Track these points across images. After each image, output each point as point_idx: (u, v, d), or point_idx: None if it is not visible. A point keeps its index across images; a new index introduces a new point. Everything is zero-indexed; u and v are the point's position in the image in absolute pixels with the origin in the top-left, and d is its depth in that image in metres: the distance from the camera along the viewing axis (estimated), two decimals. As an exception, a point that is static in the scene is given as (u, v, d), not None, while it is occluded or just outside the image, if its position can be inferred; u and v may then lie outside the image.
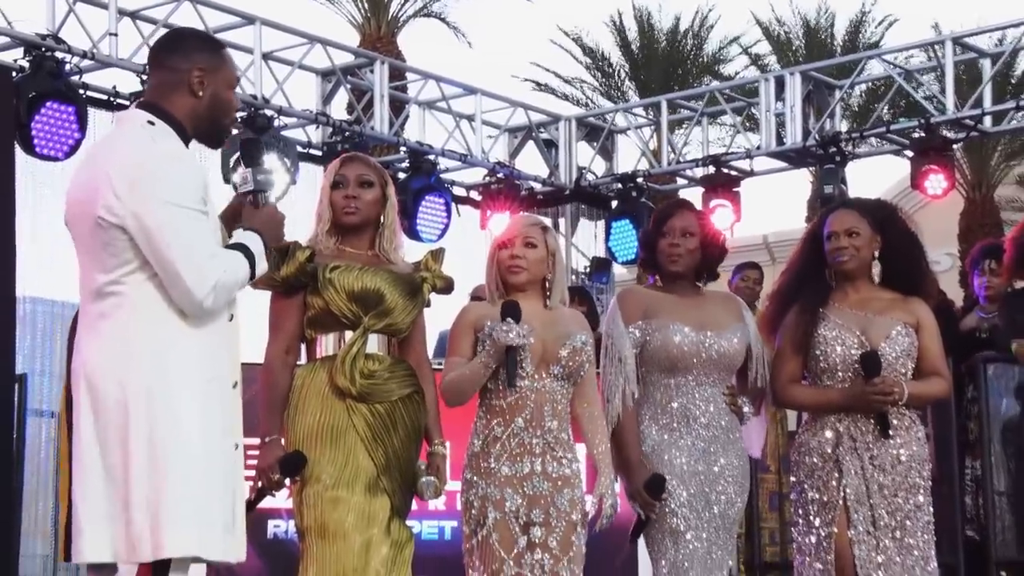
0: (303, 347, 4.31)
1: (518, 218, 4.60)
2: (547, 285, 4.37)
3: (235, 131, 7.93)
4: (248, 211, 3.65)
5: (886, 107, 10.38)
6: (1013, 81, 14.53)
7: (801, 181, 16.23)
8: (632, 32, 18.10)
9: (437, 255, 4.42)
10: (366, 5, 15.03)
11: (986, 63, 9.41)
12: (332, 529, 4.05)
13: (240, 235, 3.58)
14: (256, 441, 4.21)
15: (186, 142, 3.58)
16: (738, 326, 4.62)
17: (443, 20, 15.74)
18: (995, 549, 6.99)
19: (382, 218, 4.32)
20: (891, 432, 4.54)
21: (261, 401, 4.24)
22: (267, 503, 4.44)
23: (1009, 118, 9.58)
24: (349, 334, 4.18)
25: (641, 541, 4.62)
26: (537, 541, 4.21)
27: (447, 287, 4.38)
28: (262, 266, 3.59)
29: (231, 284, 3.49)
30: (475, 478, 4.26)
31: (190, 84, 3.56)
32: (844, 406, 4.56)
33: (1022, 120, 9.70)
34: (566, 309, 4.47)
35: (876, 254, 4.64)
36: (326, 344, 4.23)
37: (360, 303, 4.17)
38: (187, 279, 3.39)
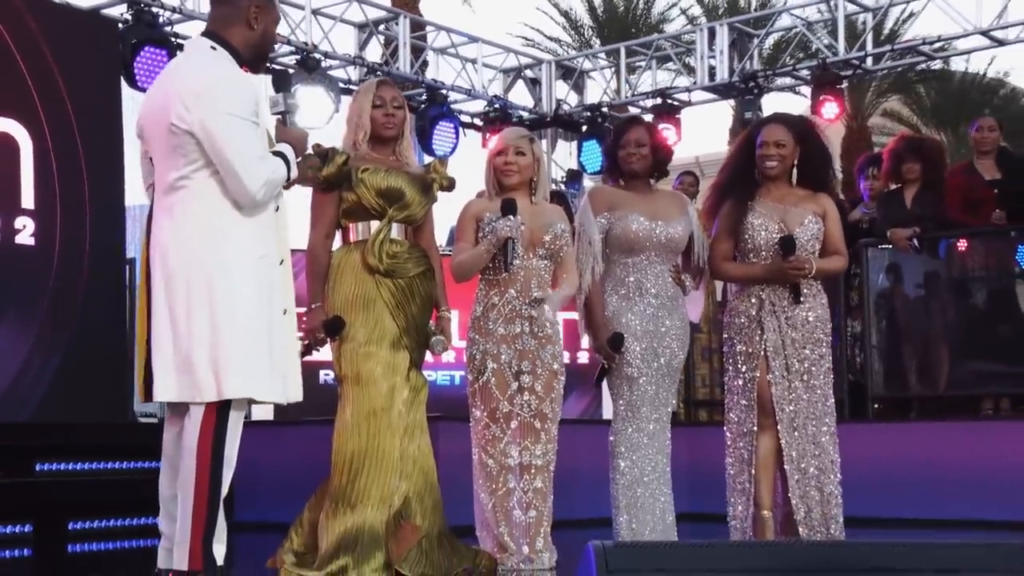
0: (338, 233, 4.00)
1: (509, 131, 4.25)
2: (533, 185, 4.08)
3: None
4: (280, 129, 3.33)
5: (792, 51, 9.95)
6: (886, 31, 14.09)
7: (724, 116, 15.86)
8: (597, -1, 17.73)
9: (443, 162, 4.12)
10: (396, -22, 14.63)
11: (868, 16, 9.01)
12: (365, 377, 3.79)
13: (278, 146, 3.27)
14: (303, 309, 3.91)
15: (240, 66, 3.25)
16: (683, 218, 4.34)
17: (453, -11, 15.26)
18: (870, 388, 6.79)
19: (403, 131, 4.01)
20: (801, 298, 4.28)
21: (307, 276, 3.94)
22: (318, 357, 4.16)
23: (886, 59, 9.25)
24: (374, 223, 3.88)
25: (604, 385, 4.37)
26: (525, 386, 3.98)
27: (451, 186, 4.06)
28: (295, 172, 3.30)
29: (276, 181, 3.19)
30: (477, 337, 4.01)
31: (247, 18, 3.24)
32: (766, 278, 4.29)
33: (895, 60, 9.41)
34: (548, 204, 4.19)
35: (796, 161, 4.33)
36: (356, 231, 3.93)
37: (385, 198, 3.85)
38: (242, 176, 3.09)
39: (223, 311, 3.08)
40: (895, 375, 6.97)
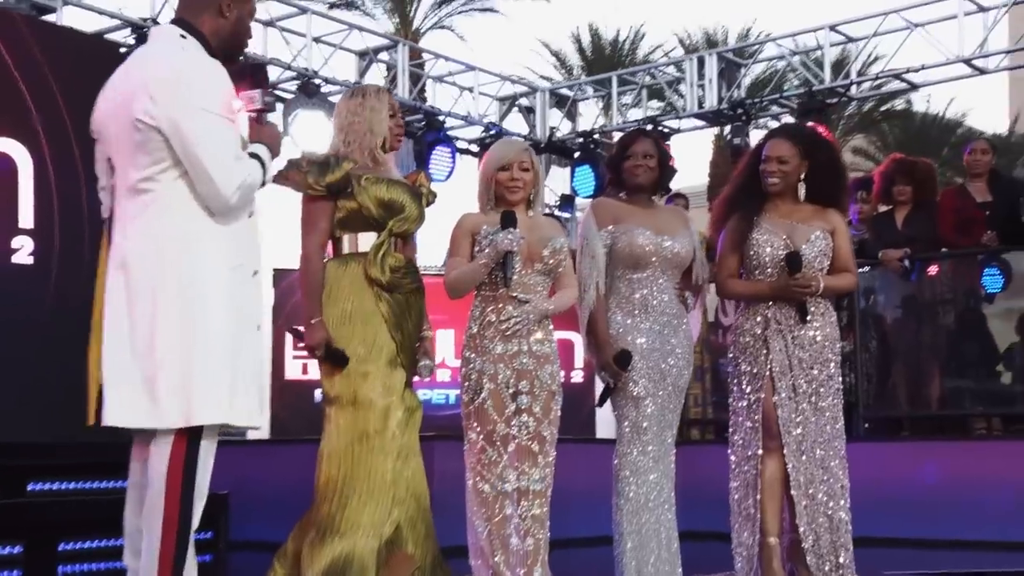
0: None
1: (508, 144, 3.75)
2: (530, 198, 3.59)
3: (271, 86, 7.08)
4: (255, 127, 2.79)
5: (777, 81, 9.55)
6: (860, 63, 13.75)
7: (704, 149, 15.50)
8: (586, 41, 17.51)
9: (427, 175, 3.67)
10: (396, 19, 14.39)
11: (852, 47, 8.59)
12: (361, 398, 3.32)
13: (252, 147, 2.75)
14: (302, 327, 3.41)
15: (212, 57, 2.74)
16: (686, 232, 3.86)
17: (452, 31, 15.14)
18: (861, 408, 6.31)
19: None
20: (808, 317, 3.80)
21: (302, 289, 3.45)
22: (313, 375, 3.66)
23: (868, 86, 8.89)
24: (363, 236, 3.41)
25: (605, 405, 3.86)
26: (523, 407, 3.47)
27: (434, 199, 3.62)
28: (270, 174, 2.79)
29: (252, 185, 2.68)
30: (472, 355, 3.51)
31: (219, 5, 2.73)
32: (772, 296, 3.81)
33: (876, 88, 9.03)
34: (543, 217, 3.72)
35: (802, 175, 3.85)
36: (347, 243, 3.44)
37: (387, 209, 3.40)
38: (216, 178, 2.58)
39: (193, 329, 2.57)
40: (885, 395, 6.53)
